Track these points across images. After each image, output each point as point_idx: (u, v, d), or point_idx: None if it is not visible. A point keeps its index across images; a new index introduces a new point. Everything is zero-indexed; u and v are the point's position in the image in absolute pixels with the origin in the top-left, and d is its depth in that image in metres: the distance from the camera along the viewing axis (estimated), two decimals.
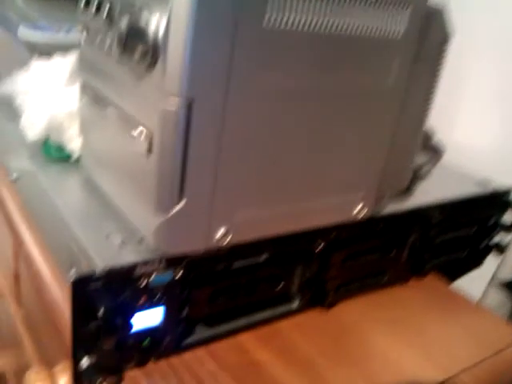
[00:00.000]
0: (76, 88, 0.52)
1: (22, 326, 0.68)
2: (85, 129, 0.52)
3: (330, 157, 0.47)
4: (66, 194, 0.51)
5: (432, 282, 0.66)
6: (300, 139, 0.43)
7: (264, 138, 0.41)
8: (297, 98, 0.41)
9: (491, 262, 0.75)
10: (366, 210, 0.52)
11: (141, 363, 0.45)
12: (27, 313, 0.66)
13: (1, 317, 0.80)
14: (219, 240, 0.42)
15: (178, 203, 0.39)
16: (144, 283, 0.41)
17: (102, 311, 0.38)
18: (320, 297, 0.55)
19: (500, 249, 0.73)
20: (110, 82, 0.45)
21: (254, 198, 0.43)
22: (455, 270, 0.72)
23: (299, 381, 0.47)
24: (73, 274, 0.38)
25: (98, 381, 0.41)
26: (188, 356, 0.47)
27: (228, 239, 0.43)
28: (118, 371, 0.44)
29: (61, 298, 0.44)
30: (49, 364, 0.58)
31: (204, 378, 0.45)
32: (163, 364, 0.46)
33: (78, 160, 0.55)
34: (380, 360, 0.52)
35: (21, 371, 0.71)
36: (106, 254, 0.41)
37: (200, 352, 0.48)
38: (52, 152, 0.57)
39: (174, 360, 0.47)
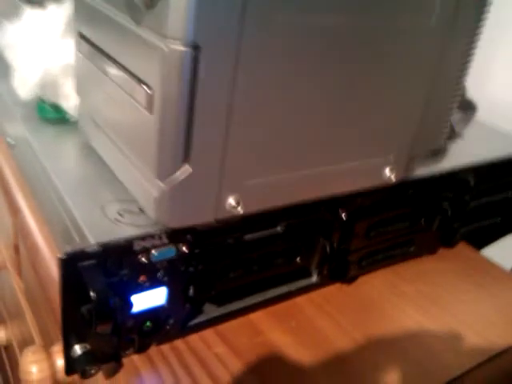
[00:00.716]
0: (72, 40, 0.47)
1: (23, 298, 0.65)
2: (81, 87, 0.46)
3: (358, 114, 0.40)
4: (61, 160, 0.46)
5: (462, 251, 0.61)
6: (324, 94, 0.37)
7: (282, 94, 0.35)
8: (323, 42, 0.35)
9: None
10: (395, 174, 0.46)
11: (141, 349, 0.41)
12: (27, 286, 0.62)
13: (5, 288, 0.77)
14: (230, 210, 0.37)
15: (181, 169, 0.34)
16: (143, 260, 0.36)
17: (95, 292, 0.33)
18: (341, 270, 0.50)
19: None
20: (108, 33, 0.39)
21: (268, 163, 0.38)
22: (485, 237, 0.66)
23: (318, 366, 0.43)
24: (62, 251, 0.33)
25: (93, 369, 0.37)
26: (194, 339, 0.43)
27: (240, 209, 0.37)
28: (115, 358, 0.39)
29: (55, 275, 0.40)
30: (49, 339, 0.55)
31: (211, 363, 0.41)
32: (166, 348, 0.42)
33: (75, 121, 0.50)
34: (406, 340, 0.47)
35: (25, 344, 0.69)
36: (100, 227, 0.36)
37: (208, 334, 0.43)
38: (47, 112, 0.52)
39: (179, 343, 0.42)
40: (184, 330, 0.42)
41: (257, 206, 0.39)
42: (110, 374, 0.40)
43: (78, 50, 0.45)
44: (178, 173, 0.34)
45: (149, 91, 0.33)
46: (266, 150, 0.37)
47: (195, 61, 0.30)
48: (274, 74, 0.34)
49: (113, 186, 0.41)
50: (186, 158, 0.34)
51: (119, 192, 0.40)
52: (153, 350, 0.42)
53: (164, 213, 0.36)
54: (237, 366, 0.41)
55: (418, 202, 0.52)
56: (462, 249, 0.61)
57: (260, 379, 0.40)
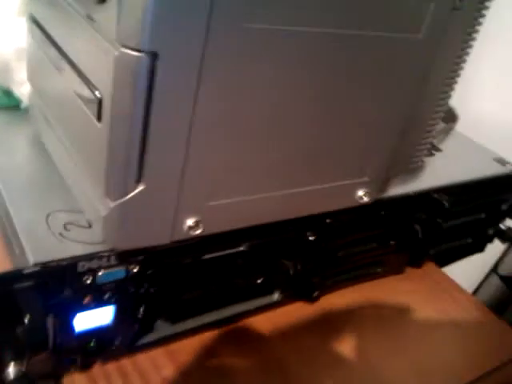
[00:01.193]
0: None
1: None
2: (32, 75, 0.42)
3: (332, 133, 0.37)
4: (8, 154, 0.42)
5: (427, 270, 0.59)
6: (296, 111, 0.34)
7: (250, 110, 0.32)
8: (297, 53, 0.31)
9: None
10: (369, 196, 0.43)
11: (85, 367, 0.38)
12: None
13: None
14: (187, 232, 0.34)
15: (133, 189, 0.30)
16: (89, 281, 0.33)
17: (30, 318, 0.30)
18: (305, 290, 0.48)
19: (506, 237, 0.66)
20: (60, 23, 0.35)
21: (233, 183, 0.35)
22: (452, 257, 0.65)
23: None
24: None
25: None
26: (142, 358, 0.40)
27: (199, 231, 0.34)
28: (54, 377, 0.36)
29: None
30: None
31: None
32: (112, 368, 0.39)
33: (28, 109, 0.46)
34: (361, 367, 0.45)
35: None
36: (43, 242, 0.33)
37: (157, 353, 0.41)
38: None
39: (126, 363, 0.39)
40: (132, 349, 0.40)
41: (218, 228, 0.36)
42: None
43: (30, 34, 0.40)
44: (130, 194, 0.30)
45: (98, 96, 0.29)
46: (231, 169, 0.34)
47: (151, 69, 0.27)
48: (242, 88, 0.30)
49: (63, 191, 0.37)
50: (139, 176, 0.30)
51: (68, 200, 0.37)
52: (97, 369, 0.39)
53: (112, 233, 0.32)
54: None
55: (390, 223, 0.50)
56: (428, 268, 0.59)
57: None
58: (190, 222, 0.34)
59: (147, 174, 0.30)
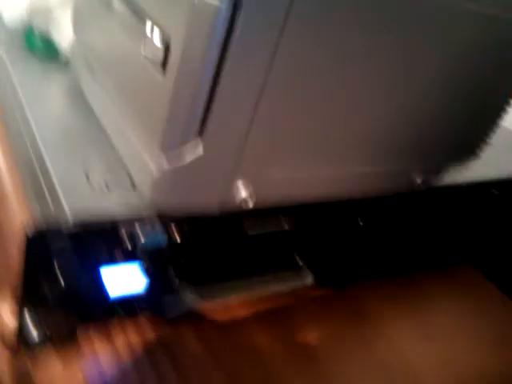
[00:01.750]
0: None
1: None
2: (79, 22, 0.39)
3: (396, 111, 0.34)
4: (45, 106, 0.39)
5: (466, 273, 0.56)
6: (365, 88, 0.31)
7: (322, 79, 0.29)
8: (375, 26, 0.28)
9: None
10: (426, 181, 0.40)
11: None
12: None
13: None
14: (239, 203, 0.31)
15: (191, 144, 0.27)
16: (129, 247, 0.30)
17: (64, 279, 0.28)
18: (338, 276, 0.45)
19: None
20: None
21: (294, 153, 0.32)
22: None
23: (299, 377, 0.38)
24: (29, 227, 0.27)
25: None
26: (169, 331, 0.37)
27: (250, 203, 0.31)
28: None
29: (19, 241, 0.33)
30: None
31: (185, 364, 0.36)
32: (136, 339, 0.36)
33: (67, 60, 0.43)
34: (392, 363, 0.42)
35: None
36: (81, 195, 0.30)
37: (185, 328, 0.38)
38: (35, 44, 0.44)
39: (151, 335, 0.37)
40: (160, 319, 0.37)
41: (271, 202, 0.33)
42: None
43: None
44: (187, 148, 0.27)
45: (165, 42, 0.26)
46: (294, 139, 0.31)
47: (231, 21, 0.24)
48: (320, 54, 0.28)
49: (103, 148, 0.34)
50: (201, 131, 0.27)
51: (110, 157, 0.34)
52: (120, 340, 0.36)
53: (162, 194, 0.29)
54: (212, 371, 0.36)
55: (439, 212, 0.47)
56: (467, 270, 0.56)
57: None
58: (243, 191, 0.31)
59: (209, 128, 0.27)
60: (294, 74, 0.27)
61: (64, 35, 0.42)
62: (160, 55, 0.26)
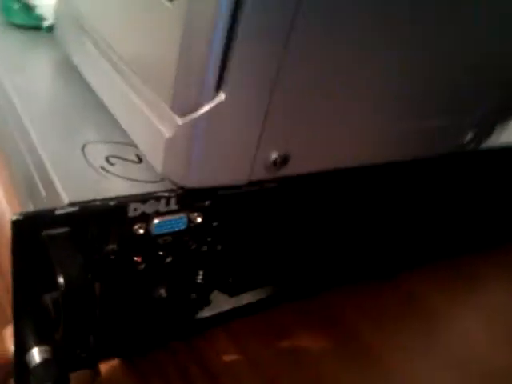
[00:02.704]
0: None
1: None
2: None
3: (442, 55, 0.29)
4: (30, 78, 0.33)
5: None
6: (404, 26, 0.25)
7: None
8: None
9: None
10: (479, 139, 0.35)
11: (129, 352, 0.29)
12: None
13: None
14: (271, 169, 0.25)
15: (211, 99, 0.21)
16: (141, 230, 0.24)
17: (65, 277, 0.22)
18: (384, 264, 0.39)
19: None
20: None
21: (333, 107, 0.26)
22: None
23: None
24: (16, 214, 0.21)
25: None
26: (198, 341, 0.31)
27: (286, 169, 0.26)
28: (89, 365, 0.28)
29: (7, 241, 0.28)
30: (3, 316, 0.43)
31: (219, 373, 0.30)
32: (162, 354, 0.30)
33: (51, 28, 0.37)
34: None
35: None
36: (79, 177, 0.24)
37: (216, 335, 0.32)
38: (14, 14, 0.38)
39: (179, 347, 0.31)
40: (186, 327, 0.31)
41: (310, 167, 0.27)
42: None
43: None
44: (207, 106, 0.21)
45: None
46: (332, 89, 0.25)
47: None
48: None
49: (100, 120, 0.29)
50: (220, 82, 0.21)
51: (109, 130, 0.28)
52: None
53: (177, 165, 0.23)
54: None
55: (490, 180, 0.41)
56: None
57: None
58: (275, 155, 0.25)
59: (231, 79, 0.21)
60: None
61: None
62: None
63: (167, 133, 0.22)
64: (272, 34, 0.21)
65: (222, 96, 0.21)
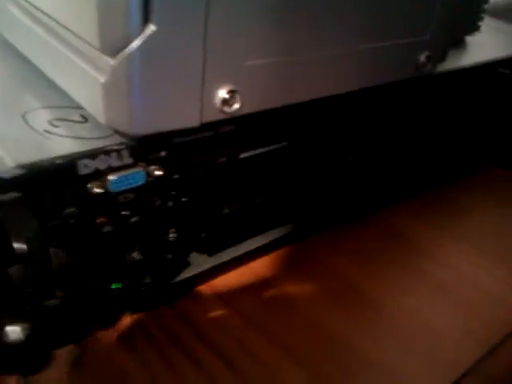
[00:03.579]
0: None
1: None
2: None
3: None
4: None
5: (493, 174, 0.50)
6: None
7: None
8: None
9: None
10: (432, 61, 0.34)
11: (110, 322, 0.28)
12: None
13: None
14: (221, 108, 0.24)
15: (141, 33, 0.20)
16: (97, 189, 0.23)
17: (22, 243, 0.21)
18: (359, 205, 0.39)
19: None
20: None
21: (274, 37, 0.25)
22: None
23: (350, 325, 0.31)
24: None
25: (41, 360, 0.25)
26: (183, 301, 0.31)
27: (235, 106, 0.25)
28: (72, 340, 0.27)
29: None
30: None
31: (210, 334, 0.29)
32: (147, 318, 0.29)
33: None
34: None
35: None
36: (23, 142, 0.23)
37: (200, 294, 0.31)
38: None
39: (163, 309, 0.30)
40: (168, 290, 0.30)
41: (259, 104, 0.26)
42: (67, 363, 0.27)
43: None
44: (138, 40, 0.20)
45: None
46: (272, 16, 0.24)
47: None
48: None
49: (40, 88, 0.27)
50: (147, 12, 0.20)
51: (50, 97, 0.27)
52: (127, 324, 0.29)
53: (119, 111, 0.22)
54: (245, 333, 0.29)
55: (453, 105, 0.40)
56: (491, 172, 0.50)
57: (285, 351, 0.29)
58: (223, 92, 0.24)
59: (157, 7, 0.20)
60: None
61: None
62: None
63: (102, 77, 0.21)
64: None
65: (151, 27, 0.20)
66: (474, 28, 0.41)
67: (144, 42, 0.20)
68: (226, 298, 0.31)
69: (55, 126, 0.24)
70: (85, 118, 0.25)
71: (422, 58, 0.34)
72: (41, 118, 0.25)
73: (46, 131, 0.24)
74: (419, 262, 0.37)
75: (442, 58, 0.36)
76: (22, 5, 0.28)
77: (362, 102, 0.33)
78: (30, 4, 0.26)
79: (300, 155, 0.32)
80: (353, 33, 0.28)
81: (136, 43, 0.20)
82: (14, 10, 0.28)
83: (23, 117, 0.25)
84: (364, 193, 0.38)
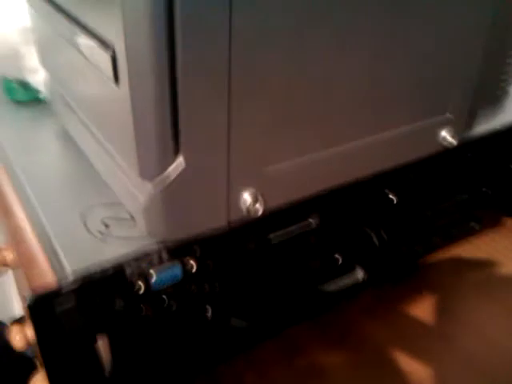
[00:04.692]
0: None
1: None
2: (43, 55, 0.36)
3: (404, 61, 0.30)
4: (34, 153, 0.36)
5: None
6: (360, 39, 0.27)
7: (299, 46, 0.25)
8: None
9: None
10: (455, 136, 0.36)
11: None
12: None
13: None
14: (246, 209, 0.28)
15: (172, 163, 0.24)
16: (142, 290, 0.27)
17: (79, 344, 0.25)
18: (394, 262, 0.41)
19: None
20: None
21: (291, 141, 0.28)
22: None
23: None
24: (29, 295, 0.24)
25: None
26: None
27: (259, 206, 0.28)
28: None
29: None
30: None
31: None
32: None
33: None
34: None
35: None
36: (80, 246, 0.27)
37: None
38: (15, 93, 0.42)
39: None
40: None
41: (281, 199, 0.29)
42: None
43: (30, 4, 0.34)
44: (170, 169, 0.24)
45: (110, 52, 0.23)
46: (286, 123, 0.27)
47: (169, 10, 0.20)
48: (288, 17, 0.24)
49: (97, 184, 0.32)
50: (176, 146, 0.24)
51: (104, 192, 0.31)
52: None
53: (157, 223, 0.26)
54: None
55: (481, 167, 0.42)
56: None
57: None
58: (246, 195, 0.27)
59: (184, 141, 0.24)
60: (265, 46, 0.24)
61: (37, 74, 0.39)
62: (109, 66, 0.23)
63: (142, 199, 0.25)
64: (211, 100, 0.23)
65: (181, 158, 0.24)
66: (498, 95, 0.42)
67: (177, 174, 0.24)
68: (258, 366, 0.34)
69: (107, 226, 0.28)
70: (131, 215, 0.29)
71: (444, 133, 0.35)
72: (96, 216, 0.29)
73: (100, 232, 0.28)
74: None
75: (466, 128, 0.38)
76: (79, 116, 0.32)
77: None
78: (86, 125, 0.31)
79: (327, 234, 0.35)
80: (369, 126, 0.31)
81: (171, 174, 0.24)
82: (74, 117, 0.33)
83: (82, 217, 0.29)
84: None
